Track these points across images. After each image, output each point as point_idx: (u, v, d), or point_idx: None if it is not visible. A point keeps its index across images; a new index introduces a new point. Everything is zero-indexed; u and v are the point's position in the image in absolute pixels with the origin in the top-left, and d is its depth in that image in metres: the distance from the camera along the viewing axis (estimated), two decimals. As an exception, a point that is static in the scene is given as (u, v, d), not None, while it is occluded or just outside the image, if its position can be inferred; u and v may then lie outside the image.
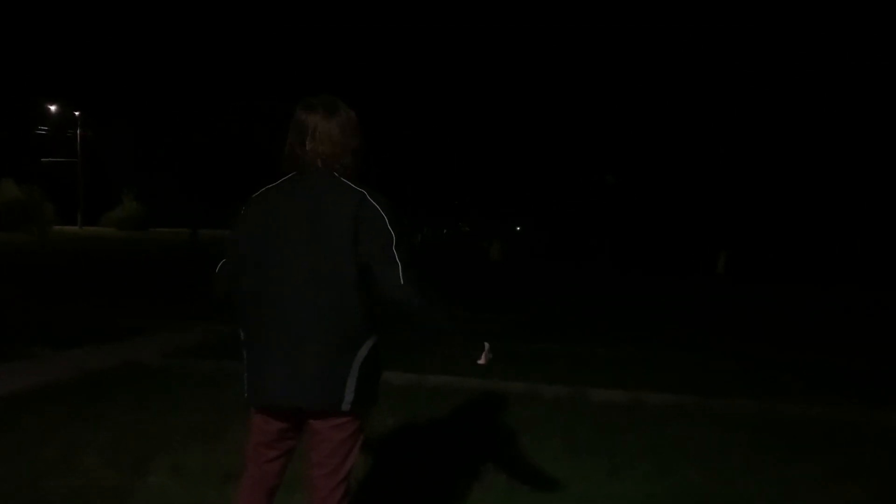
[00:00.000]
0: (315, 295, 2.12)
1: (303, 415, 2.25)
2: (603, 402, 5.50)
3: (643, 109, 22.83)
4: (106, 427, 4.37)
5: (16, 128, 51.60)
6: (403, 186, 34.40)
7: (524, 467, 3.91)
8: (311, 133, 2.21)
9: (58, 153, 51.72)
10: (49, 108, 51.84)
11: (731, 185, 23.76)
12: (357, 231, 2.11)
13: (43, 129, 52.29)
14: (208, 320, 8.73)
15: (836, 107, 21.55)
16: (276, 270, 2.16)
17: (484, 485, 3.65)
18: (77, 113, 51.76)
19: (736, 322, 11.11)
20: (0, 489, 3.39)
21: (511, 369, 6.51)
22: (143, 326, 8.47)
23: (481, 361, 2.31)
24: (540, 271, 21.75)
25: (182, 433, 4.30)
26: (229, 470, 3.70)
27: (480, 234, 32.59)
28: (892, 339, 10.18)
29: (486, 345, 2.31)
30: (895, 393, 6.22)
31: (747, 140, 22.57)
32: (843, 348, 8.81)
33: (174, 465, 3.78)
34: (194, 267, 18.34)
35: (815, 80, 21.36)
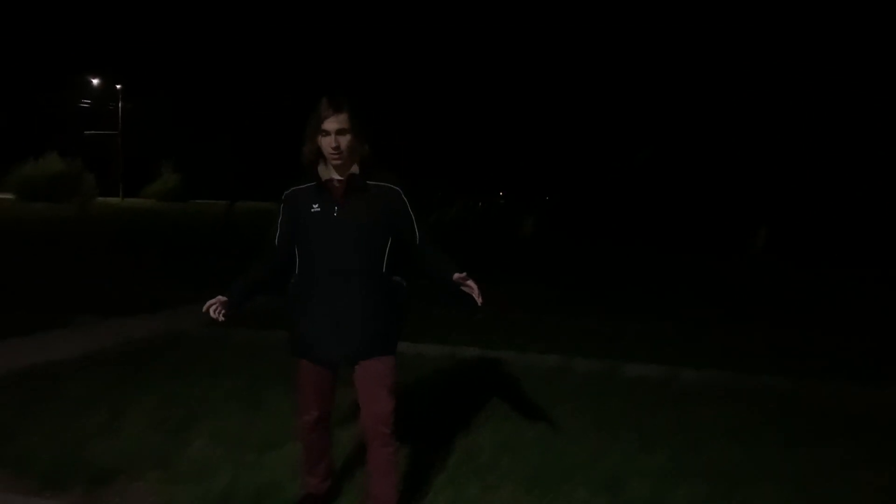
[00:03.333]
0: None
1: None
2: (636, 377, 5.50)
3: (678, 81, 22.34)
4: (149, 393, 4.51)
5: (59, 101, 52.59)
6: (437, 157, 34.34)
7: (555, 440, 3.95)
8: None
9: (100, 126, 52.66)
10: (91, 82, 52.72)
11: (771, 156, 23.21)
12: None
13: (86, 103, 53.27)
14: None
15: (886, 74, 20.81)
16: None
17: (516, 457, 3.69)
18: (118, 86, 52.57)
19: (772, 301, 10.93)
20: (49, 452, 3.53)
21: (543, 342, 6.54)
22: (184, 296, 8.66)
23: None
24: (571, 246, 21.62)
25: (222, 400, 4.43)
26: (269, 436, 3.82)
27: (514, 207, 32.43)
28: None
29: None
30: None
31: (789, 107, 21.94)
32: (883, 332, 8.63)
33: (215, 431, 3.91)
34: (232, 238, 18.64)
35: (864, 46, 20.65)
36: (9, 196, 39.02)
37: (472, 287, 2.57)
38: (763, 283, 13.70)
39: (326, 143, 2.58)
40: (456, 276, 2.56)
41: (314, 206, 2.65)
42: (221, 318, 2.75)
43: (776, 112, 22.27)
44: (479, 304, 2.56)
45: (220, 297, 2.76)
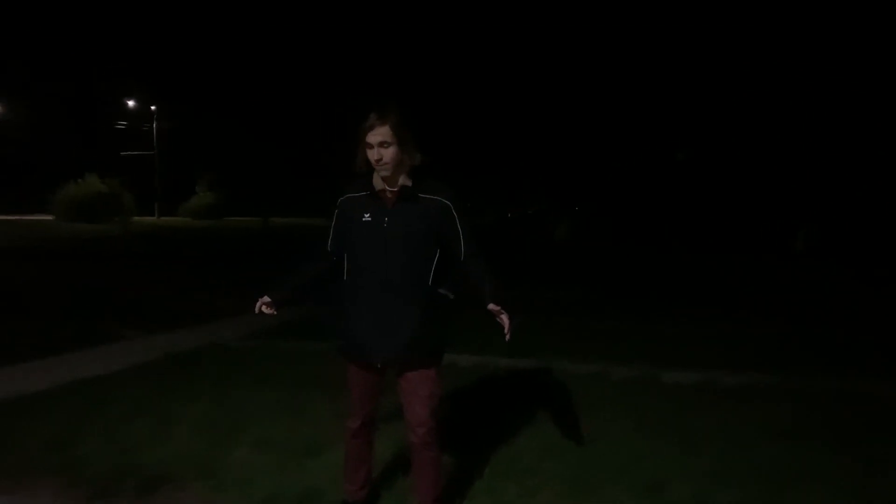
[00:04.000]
0: None
1: None
2: (674, 382, 5.46)
3: (715, 81, 22.10)
4: (195, 403, 4.61)
5: (97, 123, 53.97)
6: (465, 168, 34.44)
7: (595, 445, 3.94)
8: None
9: (135, 147, 53.85)
10: (127, 104, 53.99)
11: (810, 156, 22.81)
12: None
13: (121, 124, 54.53)
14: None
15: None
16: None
17: (556, 461, 3.69)
18: (153, 108, 53.75)
19: (812, 301, 10.74)
20: (98, 461, 3.63)
21: (580, 347, 6.52)
22: (224, 309, 8.82)
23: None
24: (607, 251, 21.47)
25: (265, 409, 4.50)
26: (311, 443, 3.88)
27: (545, 215, 32.29)
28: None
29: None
30: None
31: (828, 108, 21.55)
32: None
33: (259, 439, 3.98)
34: (267, 252, 18.90)
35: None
36: (48, 217, 40.02)
37: (503, 321, 2.67)
38: (803, 283, 13.46)
39: (371, 155, 2.65)
40: (490, 306, 2.64)
41: (366, 214, 2.72)
42: (274, 312, 2.92)
43: (815, 112, 21.89)
44: (507, 338, 2.67)
45: (264, 298, 2.90)
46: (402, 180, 2.72)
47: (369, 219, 2.71)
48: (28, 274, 13.26)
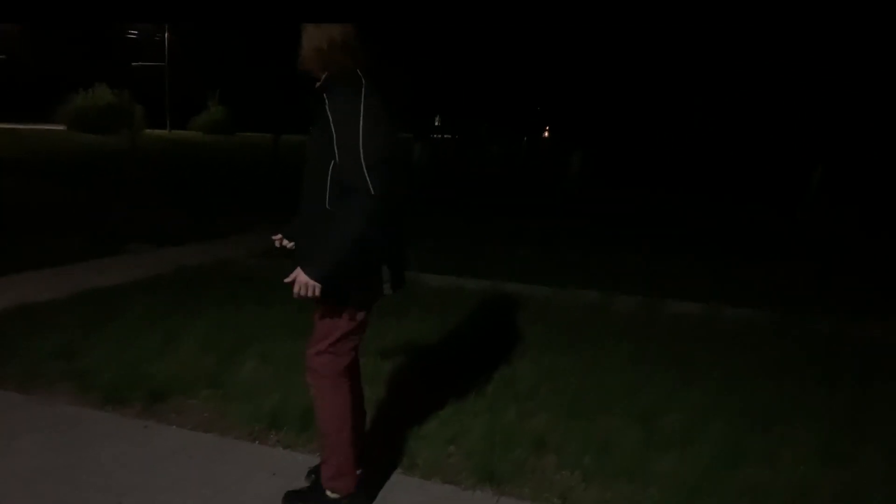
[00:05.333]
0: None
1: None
2: (677, 313, 5.52)
3: (730, 16, 21.33)
4: (201, 318, 4.69)
5: (106, 31, 52.89)
6: (480, 90, 33.80)
7: (593, 372, 4.02)
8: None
9: (146, 57, 52.96)
10: (137, 13, 52.74)
11: (829, 93, 22.24)
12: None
13: (132, 34, 53.50)
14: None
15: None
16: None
17: (554, 386, 3.78)
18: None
19: (821, 242, 10.70)
20: (110, 370, 3.74)
21: (586, 279, 6.56)
22: (232, 227, 8.88)
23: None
24: (620, 185, 21.31)
25: (271, 326, 4.59)
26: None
27: (561, 144, 31.85)
28: None
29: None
30: None
31: (843, 44, 20.88)
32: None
33: (265, 354, 4.08)
34: (278, 170, 18.87)
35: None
36: (60, 127, 39.81)
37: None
38: (814, 225, 13.37)
39: None
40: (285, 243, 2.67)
41: None
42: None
43: (832, 55, 21.23)
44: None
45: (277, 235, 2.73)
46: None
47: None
48: (35, 187, 13.30)
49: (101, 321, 4.54)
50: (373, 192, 2.19)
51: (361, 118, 2.21)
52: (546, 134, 42.69)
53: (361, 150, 2.19)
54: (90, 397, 3.47)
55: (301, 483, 2.72)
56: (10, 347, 4.01)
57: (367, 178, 2.18)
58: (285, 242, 2.68)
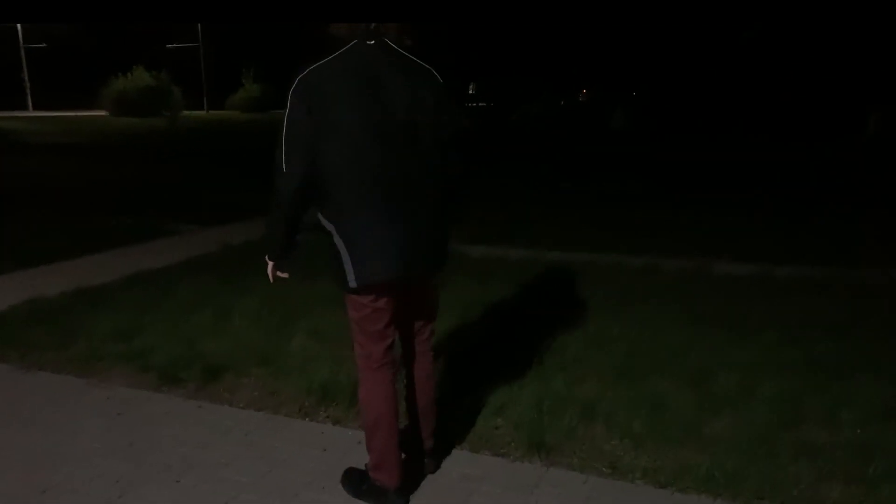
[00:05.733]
0: (410, 170, 2.22)
1: (407, 282, 2.33)
2: (727, 274, 5.40)
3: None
4: (250, 296, 4.76)
5: (142, 15, 53.39)
6: (515, 53, 33.19)
7: (641, 336, 3.96)
8: None
9: (181, 39, 53.42)
10: (169, -6, 53.11)
11: (881, 35, 21.28)
12: (437, 103, 2.22)
13: (165, 16, 53.88)
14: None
15: None
16: (370, 152, 2.15)
17: (601, 351, 3.74)
18: (195, -3, 52.79)
19: (879, 190, 10.32)
20: (163, 349, 3.83)
21: (630, 240, 6.47)
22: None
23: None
24: (665, 140, 20.86)
25: (317, 301, 4.62)
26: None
27: (600, 103, 31.22)
28: None
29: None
30: None
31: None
32: None
33: (312, 330, 4.12)
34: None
35: None
36: (103, 112, 40.58)
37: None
38: (872, 171, 12.91)
39: None
40: None
41: None
42: None
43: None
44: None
45: None
46: None
47: None
48: (82, 170, 13.61)
49: (154, 302, 4.65)
50: (284, 169, 2.17)
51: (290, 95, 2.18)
52: (583, 94, 41.89)
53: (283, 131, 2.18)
54: (146, 378, 3.56)
55: (355, 459, 2.73)
56: (69, 332, 4.13)
57: (282, 156, 2.16)
58: None
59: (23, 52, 49.61)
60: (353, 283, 2.25)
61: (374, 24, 2.20)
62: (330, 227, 2.25)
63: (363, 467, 2.56)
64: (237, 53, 50.48)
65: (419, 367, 2.58)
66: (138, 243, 6.63)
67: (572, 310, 4.47)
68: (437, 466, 2.69)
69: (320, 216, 2.27)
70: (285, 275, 2.50)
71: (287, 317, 4.34)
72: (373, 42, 2.20)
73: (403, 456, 2.51)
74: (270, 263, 2.48)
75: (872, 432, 2.87)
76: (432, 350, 2.60)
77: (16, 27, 48.81)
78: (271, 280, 2.52)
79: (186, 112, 40.82)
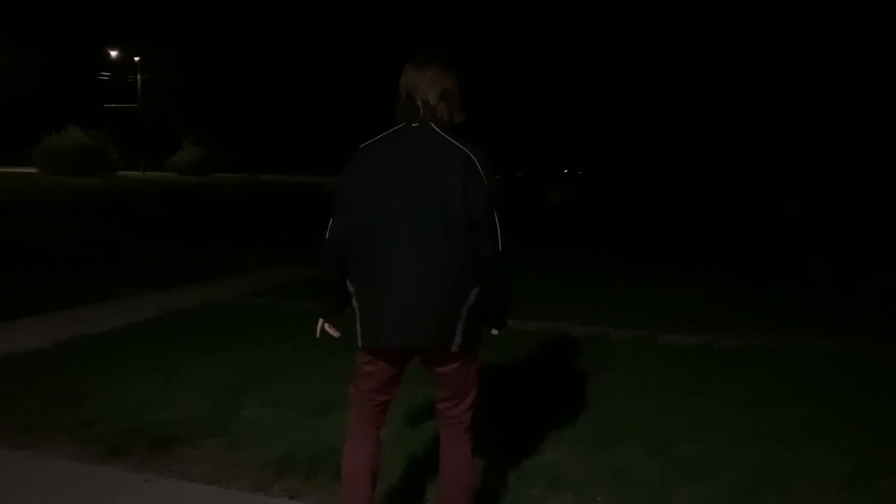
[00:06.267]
0: (429, 242, 2.23)
1: (410, 357, 2.38)
2: (672, 344, 5.51)
3: (715, 47, 21.87)
4: (197, 362, 4.60)
5: (79, 74, 52.73)
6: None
7: (604, 406, 3.99)
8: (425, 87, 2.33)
9: (119, 99, 52.82)
10: (110, 54, 52.76)
11: (804, 123, 22.82)
12: (466, 183, 2.23)
13: (105, 75, 53.41)
14: (278, 264, 9.12)
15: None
16: (392, 219, 2.24)
17: (567, 422, 3.74)
18: (137, 58, 52.56)
19: (803, 265, 10.84)
20: (108, 418, 3.64)
21: (576, 308, 6.57)
22: (217, 268, 8.79)
23: (494, 333, 2.52)
24: (604, 212, 21.51)
25: (270, 368, 4.51)
26: (320, 402, 3.90)
27: (535, 178, 32.04)
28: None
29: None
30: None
31: (824, 76, 21.50)
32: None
33: (267, 398, 4.00)
34: (258, 211, 18.81)
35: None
36: (32, 170, 39.40)
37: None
38: (795, 247, 13.55)
39: None
40: None
41: None
42: None
43: (814, 80, 21.80)
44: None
45: None
46: None
47: None
48: (15, 227, 13.10)
49: (97, 369, 4.44)
50: (327, 235, 2.34)
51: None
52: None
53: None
54: (90, 449, 3.37)
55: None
56: (5, 401, 3.89)
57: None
58: None
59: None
60: (360, 343, 2.32)
61: (425, 105, 2.32)
62: (351, 287, 2.33)
63: None
64: (177, 114, 50.18)
65: (448, 450, 2.49)
66: (78, 306, 6.37)
67: (527, 378, 4.48)
68: None
69: (347, 277, 2.34)
70: (337, 333, 2.51)
71: (239, 385, 4.20)
72: (417, 124, 2.32)
73: None
74: (321, 321, 2.50)
75: (837, 500, 2.93)
76: (468, 433, 2.48)
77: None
78: (318, 335, 2.53)
79: (122, 173, 40.07)
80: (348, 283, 2.34)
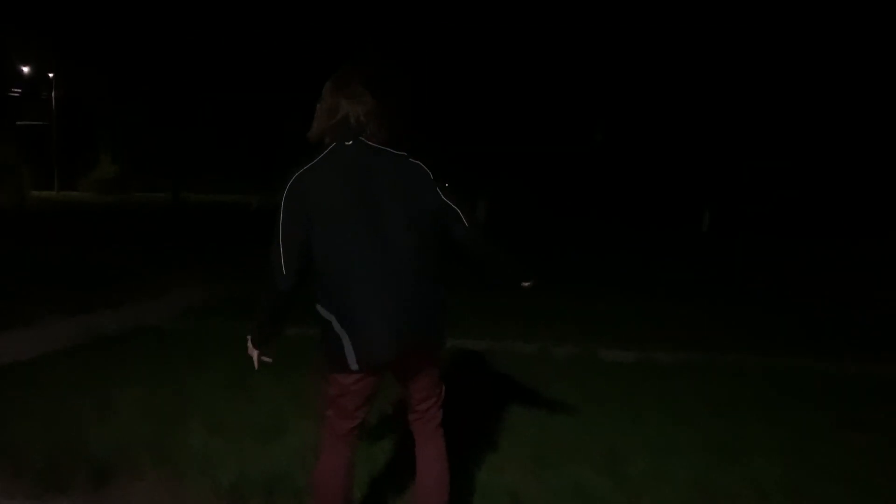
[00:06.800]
0: (398, 251, 2.28)
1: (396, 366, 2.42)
2: (613, 360, 5.64)
3: (632, 66, 22.65)
4: (133, 387, 4.41)
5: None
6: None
7: (550, 422, 4.03)
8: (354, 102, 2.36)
9: (32, 116, 50.45)
10: (22, 70, 50.44)
11: (718, 143, 23.89)
12: (415, 185, 2.34)
13: (16, 92, 50.95)
14: (206, 282, 8.90)
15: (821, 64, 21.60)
16: (356, 241, 2.25)
17: (516, 440, 3.77)
18: (51, 75, 50.42)
19: (719, 280, 11.29)
20: (43, 449, 3.44)
21: (514, 327, 6.65)
22: (141, 290, 8.47)
23: (526, 284, 2.62)
24: (527, 229, 21.85)
25: (210, 392, 4.37)
26: (267, 426, 3.81)
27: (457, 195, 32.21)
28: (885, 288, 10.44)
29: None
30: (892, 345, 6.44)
31: (736, 97, 22.62)
32: (835, 300, 9.03)
33: (211, 423, 3.86)
34: (180, 230, 18.28)
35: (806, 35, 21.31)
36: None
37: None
38: (712, 262, 14.08)
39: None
40: None
41: None
42: None
43: (727, 98, 22.86)
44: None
45: None
46: None
47: None
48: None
49: (25, 396, 4.20)
50: (284, 272, 2.30)
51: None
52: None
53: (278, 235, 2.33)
54: (22, 485, 3.18)
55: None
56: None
57: (280, 260, 2.31)
58: None
59: None
60: (354, 367, 2.29)
61: (352, 119, 2.33)
62: (329, 316, 2.29)
63: None
64: (93, 132, 48.30)
65: (428, 448, 2.60)
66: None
67: (479, 397, 4.49)
68: None
69: (318, 308, 2.32)
70: (269, 360, 2.58)
71: (180, 410, 4.05)
72: (350, 143, 2.33)
73: None
74: (256, 351, 2.55)
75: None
76: (441, 430, 2.62)
77: None
78: (256, 367, 2.57)
79: (34, 192, 38.17)
80: (321, 311, 2.31)
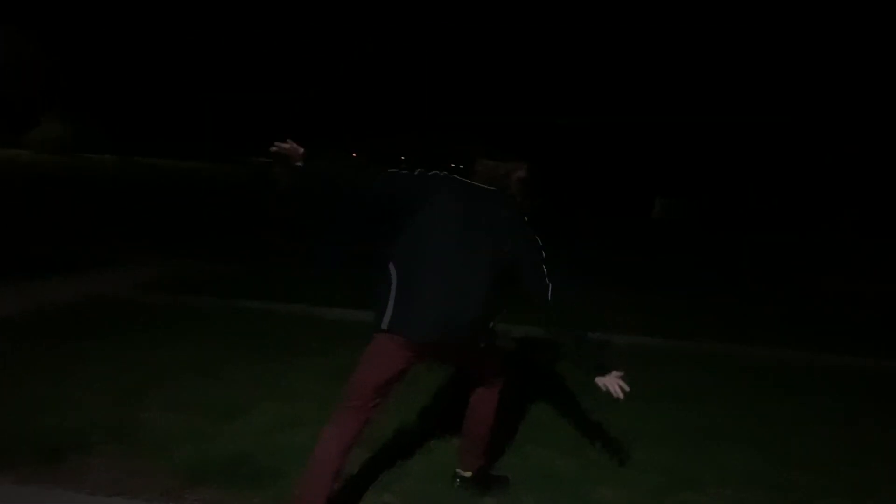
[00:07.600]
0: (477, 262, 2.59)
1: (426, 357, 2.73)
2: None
3: (594, 54, 22.82)
4: (87, 362, 4.27)
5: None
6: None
7: (515, 402, 4.01)
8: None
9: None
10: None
11: (670, 134, 24.31)
12: (507, 230, 2.64)
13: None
14: (158, 254, 8.66)
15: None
16: (450, 227, 2.59)
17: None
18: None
19: (665, 265, 11.50)
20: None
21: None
22: (95, 258, 8.19)
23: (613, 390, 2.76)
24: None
25: (168, 368, 4.25)
26: (228, 405, 3.71)
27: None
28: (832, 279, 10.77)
29: (615, 372, 2.76)
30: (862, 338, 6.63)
31: (691, 87, 22.99)
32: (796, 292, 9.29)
33: (169, 400, 3.75)
34: (129, 194, 17.74)
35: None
36: None
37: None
38: (661, 248, 14.35)
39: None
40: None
41: None
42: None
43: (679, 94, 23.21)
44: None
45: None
46: None
47: None
48: None
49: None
50: (375, 180, 2.71)
51: None
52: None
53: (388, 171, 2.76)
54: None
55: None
56: None
57: (377, 175, 2.71)
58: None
59: None
60: (384, 325, 2.53)
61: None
62: (393, 278, 2.57)
63: None
64: (37, 89, 46.42)
65: (486, 392, 2.97)
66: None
67: (438, 381, 4.46)
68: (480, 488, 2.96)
69: (390, 265, 2.60)
70: (287, 145, 2.64)
71: (136, 386, 3.92)
72: (454, 175, 2.73)
73: None
74: (298, 163, 2.66)
75: (745, 494, 3.12)
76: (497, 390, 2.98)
77: None
78: (279, 147, 2.65)
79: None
80: (390, 269, 2.58)
